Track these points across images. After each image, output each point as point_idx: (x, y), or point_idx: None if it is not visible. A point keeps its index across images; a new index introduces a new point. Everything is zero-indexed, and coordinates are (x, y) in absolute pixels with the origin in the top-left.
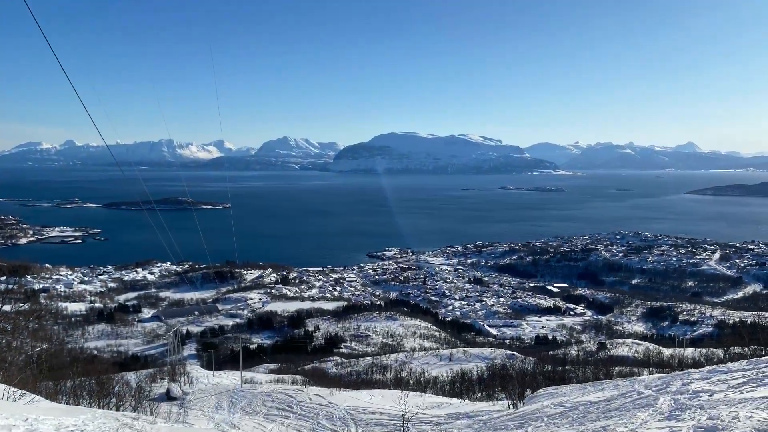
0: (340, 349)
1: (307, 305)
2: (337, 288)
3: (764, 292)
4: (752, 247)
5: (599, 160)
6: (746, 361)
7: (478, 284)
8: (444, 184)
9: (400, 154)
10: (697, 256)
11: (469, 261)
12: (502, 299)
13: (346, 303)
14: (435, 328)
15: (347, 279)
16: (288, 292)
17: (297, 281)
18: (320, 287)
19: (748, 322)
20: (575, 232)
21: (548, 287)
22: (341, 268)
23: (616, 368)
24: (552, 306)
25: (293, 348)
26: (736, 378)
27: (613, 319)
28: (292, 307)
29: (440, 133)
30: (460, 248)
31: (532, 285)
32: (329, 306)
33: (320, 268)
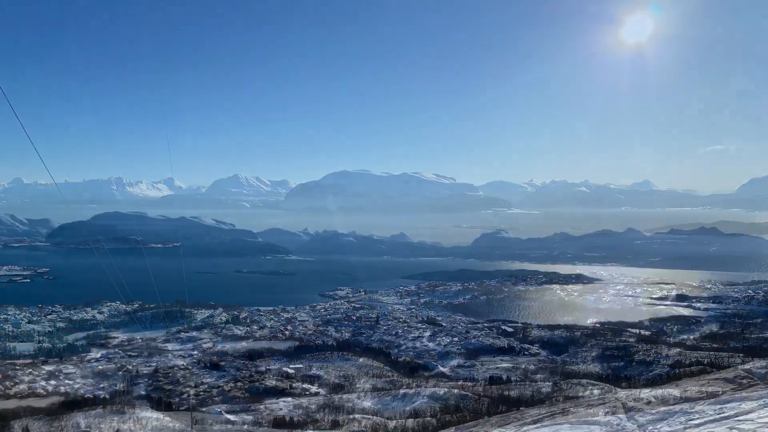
0: (293, 390)
1: (258, 345)
2: (289, 328)
3: (721, 332)
4: (709, 286)
5: (554, 198)
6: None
7: (432, 324)
8: (397, 222)
9: (353, 192)
10: (654, 295)
11: (422, 300)
12: (455, 339)
13: (298, 343)
14: (388, 368)
15: (299, 319)
16: (239, 332)
17: (248, 321)
18: (271, 327)
19: (705, 362)
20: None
21: (502, 327)
22: (293, 308)
23: (571, 409)
24: (506, 346)
25: (244, 388)
26: (695, 418)
27: (567, 359)
28: (243, 347)
29: (393, 170)
30: (413, 287)
31: (485, 325)
32: (281, 346)
33: (272, 308)
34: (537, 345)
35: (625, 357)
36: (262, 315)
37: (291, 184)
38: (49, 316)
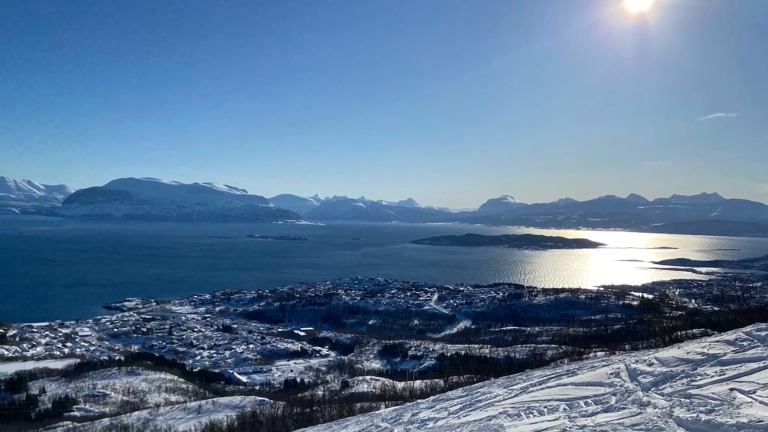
0: (72, 413)
1: (30, 365)
2: (68, 344)
3: (473, 327)
4: (462, 288)
5: (336, 212)
6: (462, 388)
7: (227, 332)
8: (189, 231)
9: (141, 200)
10: (420, 298)
11: (217, 309)
12: (251, 345)
13: (79, 360)
14: (182, 380)
15: (80, 333)
16: (5, 352)
17: (17, 339)
18: (47, 344)
19: (462, 353)
20: (318, 278)
21: (295, 331)
22: (73, 322)
23: (358, 404)
24: (299, 349)
25: (12, 416)
26: (455, 405)
27: (354, 358)
28: (10, 368)
29: (184, 180)
30: (207, 296)
31: (280, 330)
32: (58, 365)
33: (47, 323)
34: (327, 347)
35: (401, 352)
36: (35, 331)
37: (70, 189)
38: None
